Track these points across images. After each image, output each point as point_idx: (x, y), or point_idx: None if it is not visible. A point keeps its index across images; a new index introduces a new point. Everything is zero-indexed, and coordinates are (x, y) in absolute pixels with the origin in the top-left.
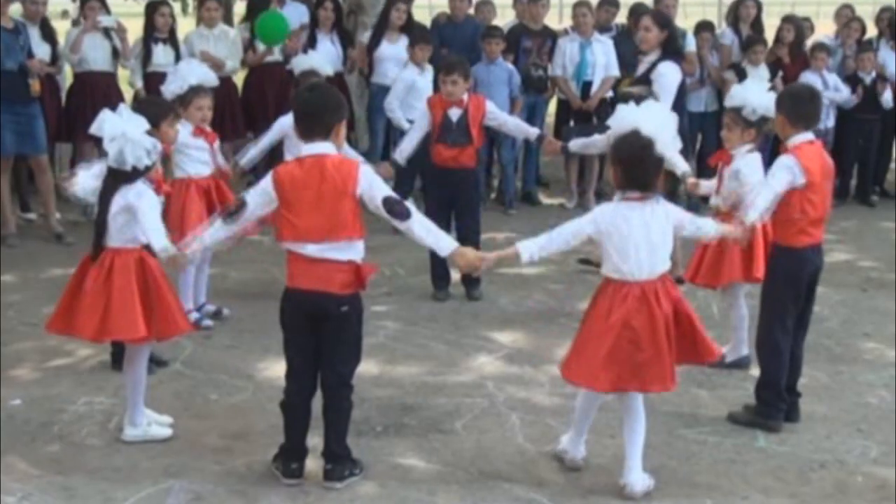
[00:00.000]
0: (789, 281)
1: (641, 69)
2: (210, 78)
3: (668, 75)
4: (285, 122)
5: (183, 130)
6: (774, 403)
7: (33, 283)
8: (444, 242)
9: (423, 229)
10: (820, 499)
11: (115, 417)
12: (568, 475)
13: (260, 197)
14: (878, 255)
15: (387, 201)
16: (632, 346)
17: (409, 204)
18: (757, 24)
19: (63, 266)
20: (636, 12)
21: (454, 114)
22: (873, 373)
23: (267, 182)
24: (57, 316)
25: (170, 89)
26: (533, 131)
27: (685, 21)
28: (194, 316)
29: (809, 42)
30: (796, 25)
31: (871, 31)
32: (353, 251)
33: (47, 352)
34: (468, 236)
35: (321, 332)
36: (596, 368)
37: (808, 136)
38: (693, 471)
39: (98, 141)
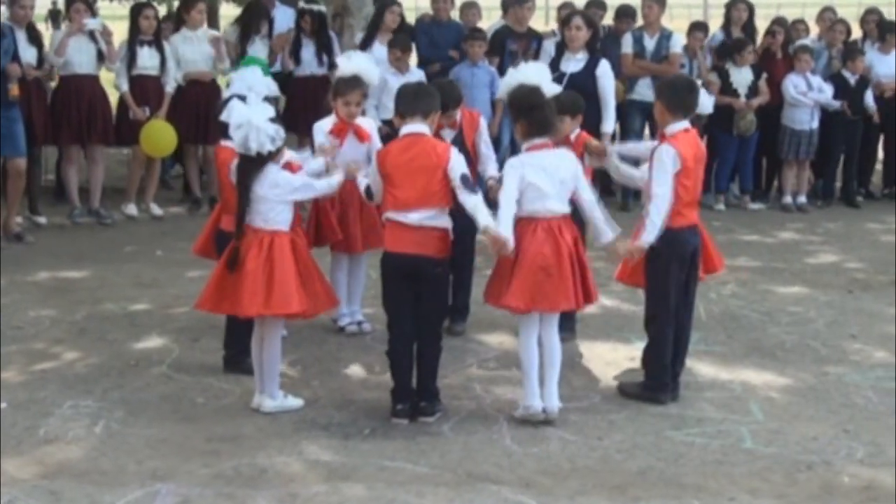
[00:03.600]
0: (671, 260)
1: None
2: (274, 88)
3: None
4: (320, 129)
5: None
6: (662, 378)
7: (20, 287)
8: (482, 217)
9: (477, 206)
10: (807, 499)
11: (101, 421)
12: (555, 477)
13: (374, 175)
14: (863, 256)
15: (463, 177)
16: (542, 271)
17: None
18: (748, 27)
19: (51, 269)
20: (623, 14)
21: (447, 135)
22: (859, 374)
23: (373, 163)
24: (207, 296)
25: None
26: (491, 173)
27: (671, 23)
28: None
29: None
30: (785, 28)
31: (856, 33)
32: (444, 219)
33: (33, 355)
34: (463, 263)
35: (418, 290)
36: (513, 291)
37: (685, 124)
38: (681, 472)
39: (84, 144)
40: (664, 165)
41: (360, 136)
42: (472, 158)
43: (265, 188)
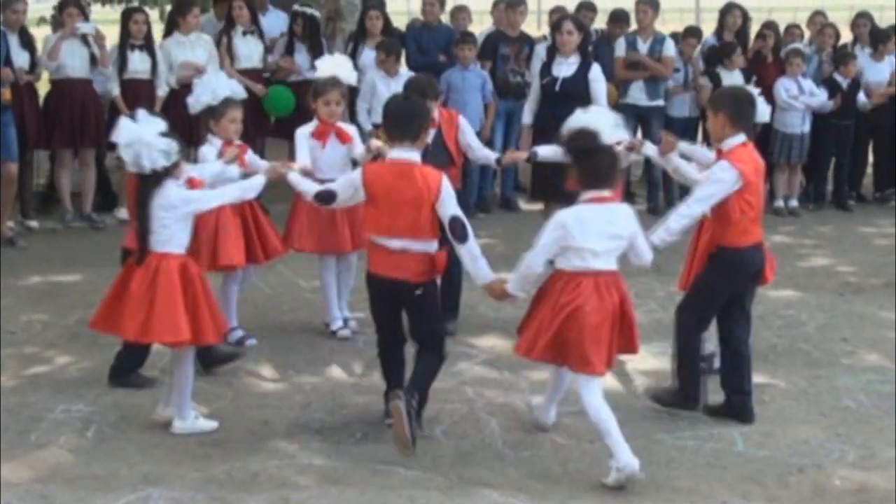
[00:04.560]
0: (731, 281)
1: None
2: (239, 90)
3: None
4: (303, 133)
5: (211, 149)
6: (694, 384)
7: (12, 291)
8: (481, 273)
9: (470, 256)
10: (798, 502)
11: (93, 425)
12: (547, 481)
13: (348, 186)
14: (855, 259)
15: (453, 221)
16: (577, 326)
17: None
18: (741, 34)
19: (42, 274)
20: (616, 18)
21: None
22: (851, 377)
23: (357, 175)
24: (100, 315)
25: (200, 101)
26: (492, 156)
27: (663, 27)
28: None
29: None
30: (775, 31)
31: (846, 36)
32: (429, 246)
33: (25, 360)
34: (451, 266)
35: (404, 309)
36: (539, 341)
37: (742, 137)
38: (672, 475)
39: (76, 148)
40: (719, 183)
41: (342, 137)
42: (453, 158)
43: (163, 208)
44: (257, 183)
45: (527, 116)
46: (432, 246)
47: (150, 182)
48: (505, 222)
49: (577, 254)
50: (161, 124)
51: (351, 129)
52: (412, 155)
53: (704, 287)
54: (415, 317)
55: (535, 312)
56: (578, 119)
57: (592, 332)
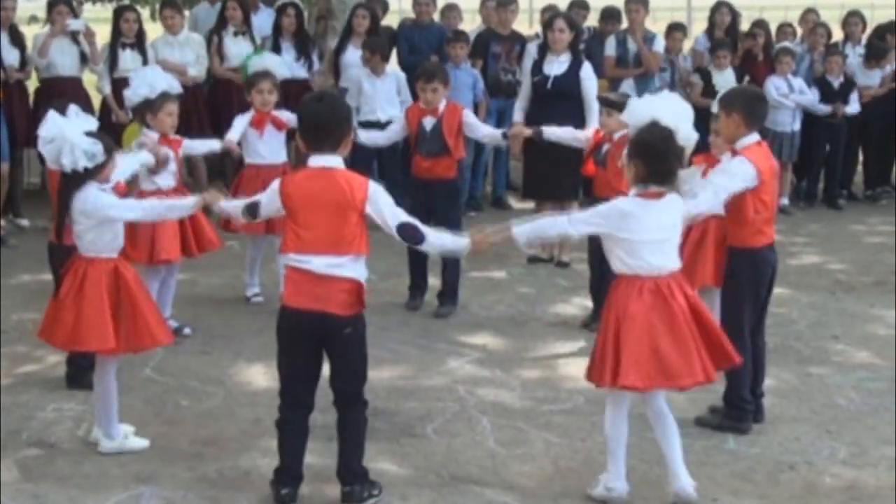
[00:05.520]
0: (751, 283)
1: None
2: (175, 85)
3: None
4: (242, 120)
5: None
6: (742, 406)
7: (4, 290)
8: (458, 244)
9: (438, 245)
10: (789, 500)
11: (84, 424)
12: (538, 479)
13: (269, 198)
14: (846, 257)
15: (402, 228)
16: (652, 339)
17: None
18: (732, 31)
19: (34, 273)
20: (608, 16)
21: (428, 122)
22: (842, 374)
23: (275, 188)
24: (44, 324)
25: (138, 93)
26: (497, 132)
27: (654, 26)
28: (172, 325)
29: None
30: (765, 30)
31: (837, 35)
32: (357, 269)
33: (16, 358)
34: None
35: (326, 351)
36: (627, 368)
37: (756, 136)
38: (663, 473)
39: None
40: (733, 177)
41: (277, 125)
42: (448, 148)
43: (81, 213)
44: (186, 205)
45: (517, 114)
46: (360, 269)
47: (71, 182)
48: (496, 221)
49: (628, 249)
50: (91, 122)
51: (286, 116)
52: (332, 161)
53: (728, 298)
54: (339, 360)
55: (604, 331)
56: (651, 107)
57: (669, 343)
